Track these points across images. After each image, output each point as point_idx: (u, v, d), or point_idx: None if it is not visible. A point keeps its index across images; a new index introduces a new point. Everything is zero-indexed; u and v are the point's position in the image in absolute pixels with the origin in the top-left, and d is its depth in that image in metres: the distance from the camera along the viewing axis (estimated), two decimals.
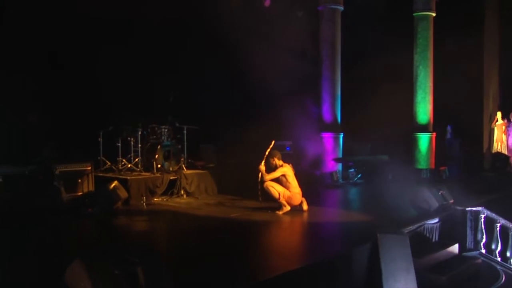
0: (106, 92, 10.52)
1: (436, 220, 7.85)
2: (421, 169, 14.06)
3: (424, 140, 14.38)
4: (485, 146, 15.97)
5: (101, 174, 9.72)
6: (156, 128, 10.42)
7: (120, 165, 10.19)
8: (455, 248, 7.59)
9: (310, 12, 13.44)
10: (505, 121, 15.70)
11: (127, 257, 3.58)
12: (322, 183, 12.66)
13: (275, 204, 8.45)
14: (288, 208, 8.41)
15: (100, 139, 10.32)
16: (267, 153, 8.62)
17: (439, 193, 8.36)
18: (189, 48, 12.16)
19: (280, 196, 8.42)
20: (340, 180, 12.99)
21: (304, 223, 8.08)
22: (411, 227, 7.17)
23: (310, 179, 12.20)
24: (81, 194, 8.84)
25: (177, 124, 10.87)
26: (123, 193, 8.65)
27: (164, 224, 8.02)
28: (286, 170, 8.58)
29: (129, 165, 10.07)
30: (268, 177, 8.48)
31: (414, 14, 14.33)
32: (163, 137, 10.44)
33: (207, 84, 12.55)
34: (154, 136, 10.42)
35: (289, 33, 12.42)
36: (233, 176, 11.18)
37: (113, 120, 10.54)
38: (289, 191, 8.49)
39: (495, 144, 15.71)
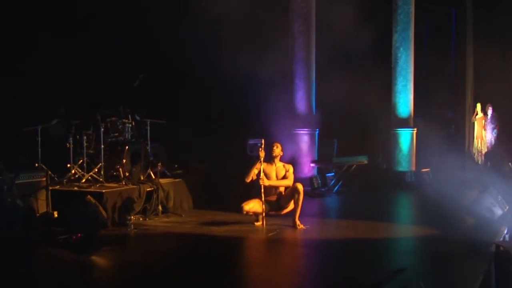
0: (44, 73, 9.52)
1: (506, 230, 8.19)
2: (404, 172, 14.58)
3: (405, 137, 14.87)
4: (467, 143, 17.04)
5: (59, 188, 8.68)
6: (118, 123, 9.58)
7: (71, 175, 9.17)
8: None
9: None
10: (483, 114, 16.87)
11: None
12: None
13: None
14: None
15: (38, 138, 9.19)
16: (261, 154, 8.42)
17: (499, 199, 8.75)
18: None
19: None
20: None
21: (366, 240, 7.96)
22: (499, 240, 7.39)
23: None
24: (39, 216, 7.86)
25: (137, 118, 10.11)
26: (103, 213, 7.86)
27: (183, 258, 7.18)
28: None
29: (88, 174, 9.09)
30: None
31: None
32: (126, 135, 9.66)
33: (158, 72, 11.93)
34: (116, 134, 9.57)
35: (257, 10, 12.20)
36: (206, 185, 10.81)
37: (53, 112, 9.52)
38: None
39: (475, 141, 16.79)
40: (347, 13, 14.25)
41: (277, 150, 8.52)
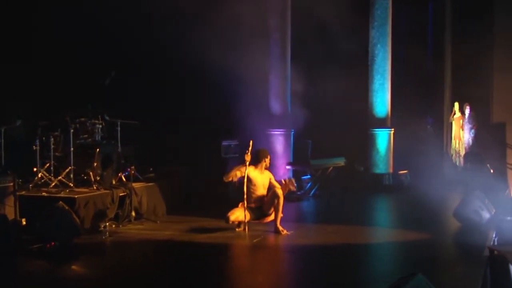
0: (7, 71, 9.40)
1: (494, 234, 8.42)
2: (382, 174, 14.80)
3: (382, 138, 15.05)
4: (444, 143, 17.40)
5: (26, 194, 8.56)
6: (87, 124, 9.51)
7: (38, 179, 9.06)
8: None
9: None
10: (460, 114, 17.22)
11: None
12: None
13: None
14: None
15: (2, 140, 9.08)
16: (247, 158, 8.49)
17: (486, 202, 8.98)
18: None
19: None
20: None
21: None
22: (490, 244, 7.60)
23: None
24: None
25: (107, 118, 10.05)
26: (76, 219, 7.81)
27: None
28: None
29: (56, 179, 8.98)
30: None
31: None
32: (96, 136, 9.60)
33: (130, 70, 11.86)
34: (86, 135, 9.51)
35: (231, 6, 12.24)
36: (180, 189, 10.91)
37: (18, 112, 9.41)
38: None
39: (453, 141, 17.15)
40: (324, 9, 14.43)
41: (268, 161, 8.65)
